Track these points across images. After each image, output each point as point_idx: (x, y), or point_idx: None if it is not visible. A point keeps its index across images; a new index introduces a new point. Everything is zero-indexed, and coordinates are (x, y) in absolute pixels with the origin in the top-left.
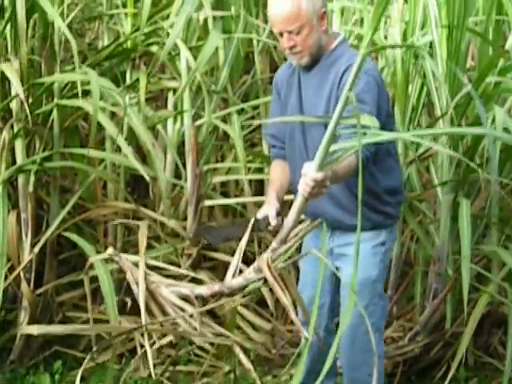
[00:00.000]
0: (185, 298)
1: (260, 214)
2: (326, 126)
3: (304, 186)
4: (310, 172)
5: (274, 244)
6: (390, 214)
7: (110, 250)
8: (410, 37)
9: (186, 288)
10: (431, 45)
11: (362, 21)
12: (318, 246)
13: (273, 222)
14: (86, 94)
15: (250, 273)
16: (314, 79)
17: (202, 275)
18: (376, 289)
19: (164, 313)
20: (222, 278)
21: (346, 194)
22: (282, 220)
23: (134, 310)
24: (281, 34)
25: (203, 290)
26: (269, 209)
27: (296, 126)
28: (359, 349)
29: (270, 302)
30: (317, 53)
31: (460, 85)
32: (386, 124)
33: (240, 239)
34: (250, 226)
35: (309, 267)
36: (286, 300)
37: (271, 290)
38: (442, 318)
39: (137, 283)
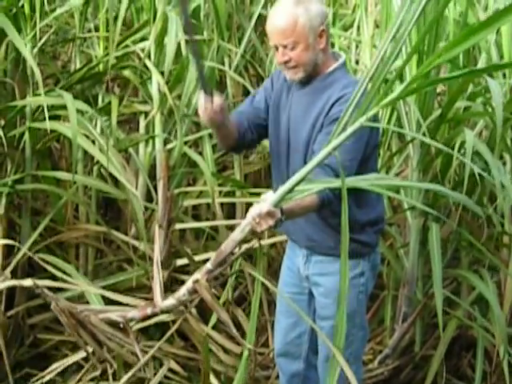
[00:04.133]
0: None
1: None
2: (305, 156)
3: (249, 218)
4: (261, 205)
5: (208, 265)
6: (366, 243)
7: (29, 282)
8: None
9: (118, 313)
10: (402, 70)
11: (332, 45)
12: (293, 269)
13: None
14: (56, 117)
15: (184, 294)
16: (304, 98)
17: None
18: (354, 321)
19: (96, 340)
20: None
21: (322, 216)
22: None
23: None
24: (276, 48)
25: (135, 314)
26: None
27: (283, 144)
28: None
29: (243, 324)
30: (312, 71)
31: (430, 109)
32: (371, 156)
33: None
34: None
35: (286, 290)
36: (225, 317)
37: (244, 311)
38: (412, 341)
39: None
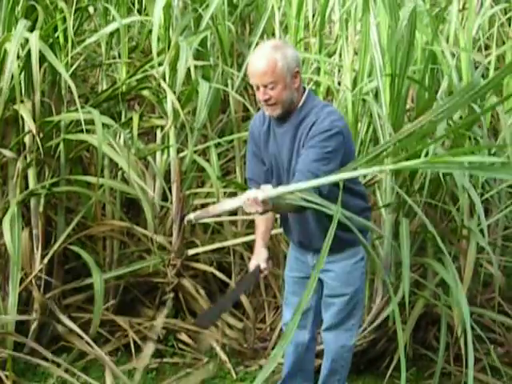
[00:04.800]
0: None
1: (252, 265)
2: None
3: (245, 197)
4: (259, 192)
5: (191, 216)
6: (361, 230)
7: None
8: (359, 83)
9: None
10: (377, 90)
11: (319, 69)
12: (301, 259)
13: (265, 270)
14: (87, 130)
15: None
16: (287, 136)
17: (185, 282)
18: (359, 296)
19: None
20: (202, 285)
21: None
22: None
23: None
24: (258, 88)
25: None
26: (257, 259)
27: (281, 169)
28: (341, 345)
29: (245, 304)
30: (288, 107)
31: (401, 123)
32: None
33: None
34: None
35: (294, 274)
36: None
37: (245, 292)
38: (386, 317)
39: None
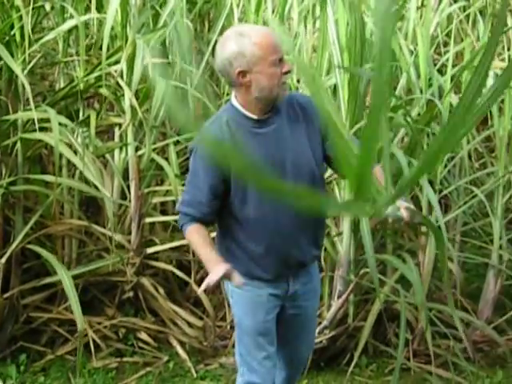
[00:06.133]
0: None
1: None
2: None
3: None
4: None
5: None
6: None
7: None
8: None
9: None
10: (335, 86)
11: None
12: (274, 299)
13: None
14: (44, 129)
15: None
16: (285, 128)
17: (144, 281)
18: None
19: None
20: (162, 283)
21: (306, 234)
22: None
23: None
24: (280, 60)
25: None
26: (220, 270)
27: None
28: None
29: (205, 302)
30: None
31: (359, 120)
32: None
33: None
34: None
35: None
36: None
37: (205, 291)
38: (346, 314)
39: None
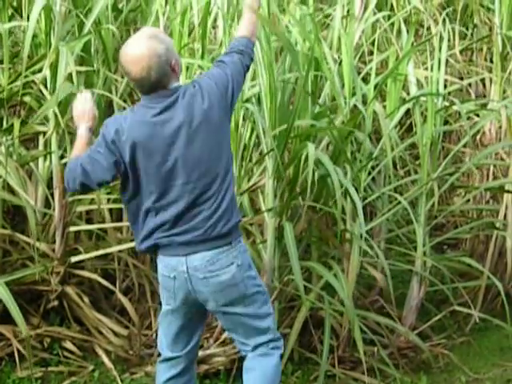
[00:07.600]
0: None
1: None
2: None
3: None
4: None
5: None
6: None
7: None
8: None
9: None
10: (259, 95)
11: None
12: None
13: None
14: None
15: None
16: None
17: (69, 290)
18: None
19: None
20: (87, 292)
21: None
22: None
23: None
24: None
25: None
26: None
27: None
28: None
29: (130, 310)
30: None
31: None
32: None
33: None
34: None
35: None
36: None
37: (130, 300)
38: None
39: None
